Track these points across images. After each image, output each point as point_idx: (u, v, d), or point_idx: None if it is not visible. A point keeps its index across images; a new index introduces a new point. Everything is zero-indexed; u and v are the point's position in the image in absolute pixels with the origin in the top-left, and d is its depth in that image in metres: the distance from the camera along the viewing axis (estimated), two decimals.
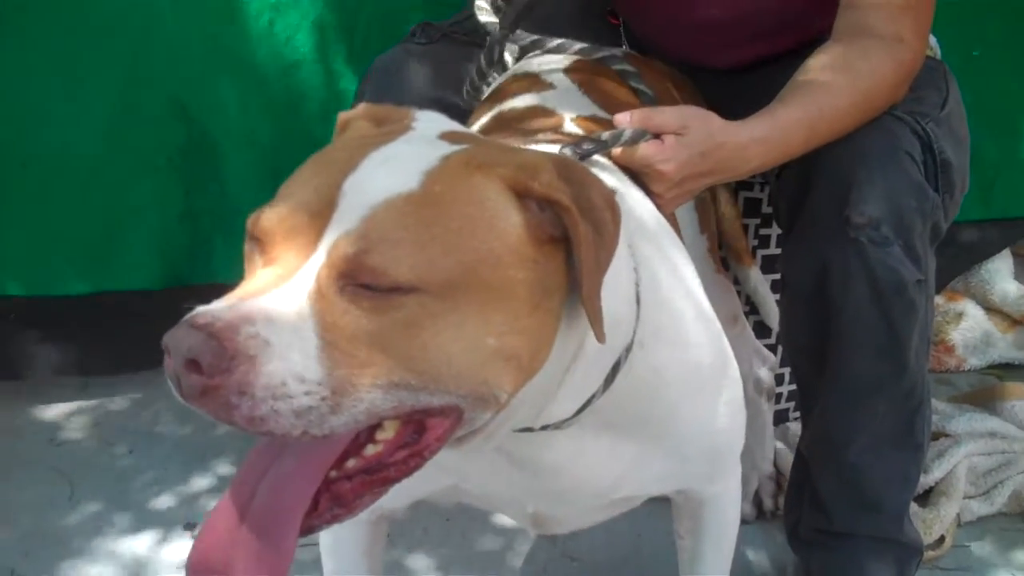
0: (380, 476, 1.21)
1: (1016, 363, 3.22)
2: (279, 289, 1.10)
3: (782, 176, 2.03)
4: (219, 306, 1.07)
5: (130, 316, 3.00)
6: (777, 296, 2.56)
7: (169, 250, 3.04)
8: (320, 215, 1.14)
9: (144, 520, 2.61)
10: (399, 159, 1.19)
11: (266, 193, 2.97)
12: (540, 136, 1.74)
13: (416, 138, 1.28)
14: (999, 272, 3.24)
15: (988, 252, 3.26)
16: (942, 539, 2.46)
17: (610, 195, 1.26)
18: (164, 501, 2.68)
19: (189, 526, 2.57)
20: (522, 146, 1.56)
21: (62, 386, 3.17)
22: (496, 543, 2.52)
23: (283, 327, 1.07)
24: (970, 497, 2.57)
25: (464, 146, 1.25)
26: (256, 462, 1.19)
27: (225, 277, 2.90)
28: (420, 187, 1.15)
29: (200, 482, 2.75)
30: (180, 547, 2.51)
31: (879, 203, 1.87)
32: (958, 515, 2.52)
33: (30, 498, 2.70)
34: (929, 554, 2.41)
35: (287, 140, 2.98)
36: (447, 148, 1.23)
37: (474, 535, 2.54)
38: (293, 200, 1.16)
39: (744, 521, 2.48)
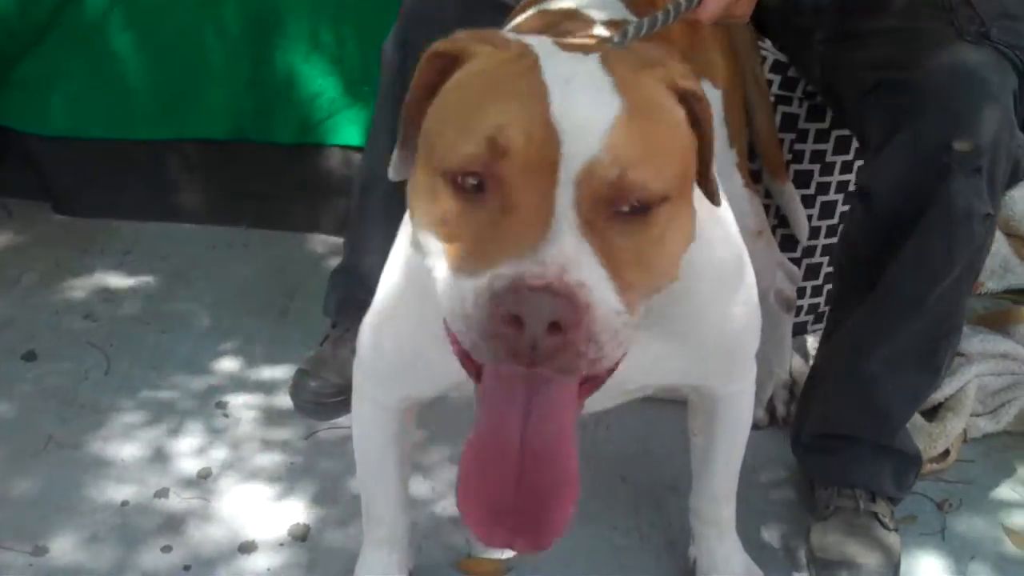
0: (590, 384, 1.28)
1: None
2: (552, 231, 1.10)
3: (874, 94, 2.07)
4: (526, 266, 1.08)
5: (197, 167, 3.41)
6: (809, 211, 2.62)
7: (234, 110, 3.30)
8: (548, 146, 1.13)
9: (176, 398, 2.70)
10: (580, 79, 1.19)
11: (320, 67, 2.99)
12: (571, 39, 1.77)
13: (555, 53, 1.27)
14: (1022, 199, 3.27)
15: (1013, 179, 3.28)
16: (947, 453, 2.53)
17: None
18: (197, 380, 2.76)
19: (220, 405, 2.67)
20: None
21: (98, 261, 3.26)
22: None
23: (587, 268, 1.10)
24: (977, 415, 2.63)
25: (594, 54, 1.26)
26: (510, 401, 1.21)
27: (280, 137, 3.33)
28: (625, 104, 1.17)
29: (230, 365, 2.83)
30: (210, 425, 2.62)
31: (980, 135, 1.92)
32: (964, 431, 2.59)
33: (68, 370, 2.79)
34: (934, 467, 2.49)
35: (345, 18, 3.15)
36: (591, 59, 1.24)
37: None
38: (507, 135, 1.14)
39: (757, 426, 2.55)
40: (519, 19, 1.98)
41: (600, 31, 1.81)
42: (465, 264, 1.13)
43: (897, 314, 2.10)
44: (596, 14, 1.87)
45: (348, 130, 3.26)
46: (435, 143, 1.21)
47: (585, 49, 1.29)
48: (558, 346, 1.07)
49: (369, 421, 1.94)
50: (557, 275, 1.07)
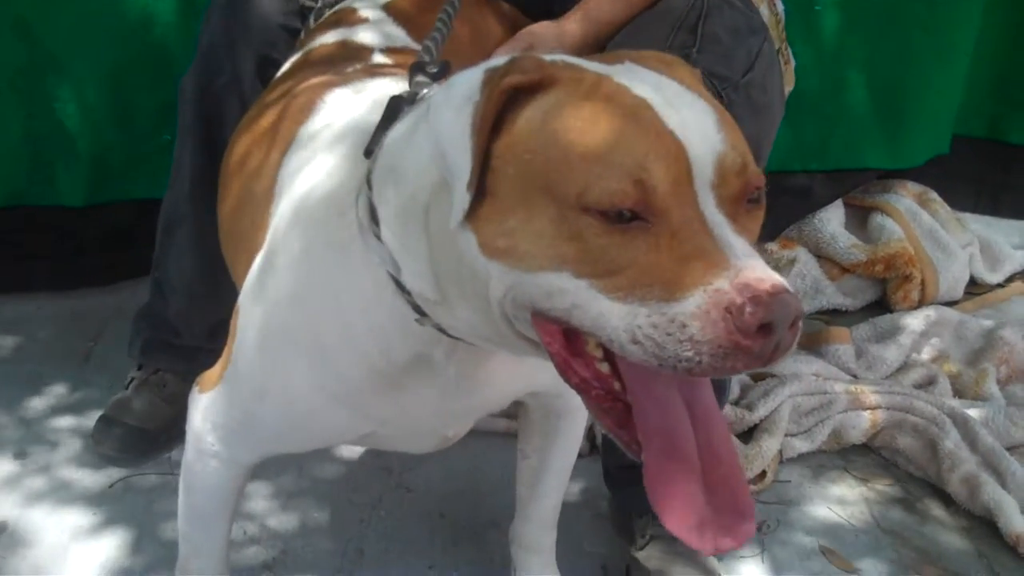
0: None
1: (842, 309, 3.32)
2: (720, 238, 1.13)
3: None
4: (759, 269, 1.11)
5: None
6: None
7: (9, 172, 2.98)
8: (683, 161, 1.15)
9: None
10: (671, 87, 1.22)
11: (107, 115, 2.84)
12: (349, 69, 1.79)
13: (630, 70, 1.27)
14: (830, 221, 3.35)
15: (821, 202, 3.37)
16: (764, 474, 2.56)
17: None
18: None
19: (20, 454, 2.52)
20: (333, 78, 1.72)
21: None
22: (331, 474, 2.54)
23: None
24: (792, 435, 2.66)
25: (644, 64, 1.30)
26: (671, 408, 1.22)
27: (68, 201, 2.96)
28: (710, 101, 1.22)
29: (31, 411, 2.69)
30: (8, 475, 2.47)
31: None
32: (780, 451, 2.62)
33: None
34: (752, 488, 2.51)
35: (132, 64, 2.92)
36: (651, 72, 1.27)
37: (311, 466, 2.55)
38: (652, 157, 1.15)
39: (580, 455, 2.54)
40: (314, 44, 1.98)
41: (378, 58, 1.86)
42: (637, 291, 1.13)
43: None
44: (372, 42, 1.93)
45: (145, 183, 2.99)
46: (555, 178, 1.16)
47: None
48: (792, 339, 1.12)
49: (212, 480, 1.76)
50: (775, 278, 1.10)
